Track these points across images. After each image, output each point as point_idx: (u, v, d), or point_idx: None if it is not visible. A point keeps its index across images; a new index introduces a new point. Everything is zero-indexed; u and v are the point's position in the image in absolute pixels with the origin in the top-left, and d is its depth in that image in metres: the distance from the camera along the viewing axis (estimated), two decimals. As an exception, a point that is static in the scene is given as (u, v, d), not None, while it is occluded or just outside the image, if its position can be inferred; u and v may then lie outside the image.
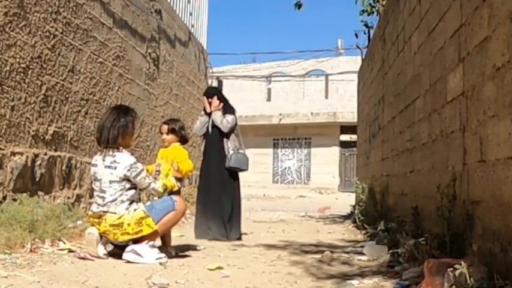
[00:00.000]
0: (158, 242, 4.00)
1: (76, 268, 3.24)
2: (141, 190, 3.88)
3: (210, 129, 5.38)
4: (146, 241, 3.63)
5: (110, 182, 3.66)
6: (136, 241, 3.65)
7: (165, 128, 4.28)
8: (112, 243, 3.79)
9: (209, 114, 5.43)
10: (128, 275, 3.09)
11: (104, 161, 3.70)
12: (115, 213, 3.62)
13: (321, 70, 24.77)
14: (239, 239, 5.35)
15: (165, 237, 4.07)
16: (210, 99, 5.43)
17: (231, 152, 5.36)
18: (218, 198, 5.29)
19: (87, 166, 5.76)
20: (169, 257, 3.84)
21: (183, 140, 4.37)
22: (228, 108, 5.49)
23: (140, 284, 2.84)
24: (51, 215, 4.28)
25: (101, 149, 3.83)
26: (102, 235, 3.69)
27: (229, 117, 5.39)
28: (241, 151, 5.47)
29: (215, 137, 5.36)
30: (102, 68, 6.20)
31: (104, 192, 3.68)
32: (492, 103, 2.55)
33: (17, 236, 3.65)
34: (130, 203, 3.68)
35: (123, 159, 3.68)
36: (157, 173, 4.05)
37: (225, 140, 5.38)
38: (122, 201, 3.66)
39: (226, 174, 5.35)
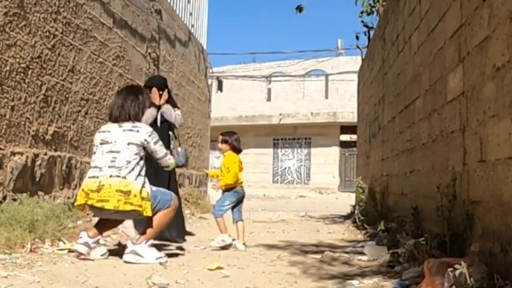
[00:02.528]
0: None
1: (76, 268, 3.24)
2: (157, 160, 3.88)
3: (158, 123, 5.00)
4: (145, 241, 3.62)
5: (129, 143, 3.62)
6: (136, 239, 3.65)
7: (219, 138, 4.98)
8: (100, 244, 3.73)
9: (157, 107, 5.03)
10: (128, 275, 3.09)
11: (121, 126, 3.70)
12: (125, 178, 3.54)
13: (321, 70, 24.77)
14: (184, 239, 5.02)
15: (238, 232, 4.65)
16: (161, 92, 5.02)
17: (179, 149, 5.00)
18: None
19: (87, 166, 5.75)
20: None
21: (235, 150, 4.88)
22: (173, 102, 5.21)
23: (140, 284, 2.84)
24: (51, 215, 4.28)
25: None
26: (93, 206, 3.57)
27: (178, 111, 5.17)
28: (180, 148, 5.09)
29: (164, 132, 4.97)
30: (102, 68, 6.20)
31: (118, 152, 3.60)
32: (492, 103, 2.56)
33: (17, 236, 3.65)
34: (139, 175, 3.62)
35: (144, 126, 3.78)
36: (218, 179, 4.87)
37: (171, 135, 5.09)
38: (133, 169, 3.58)
39: (173, 171, 5.05)
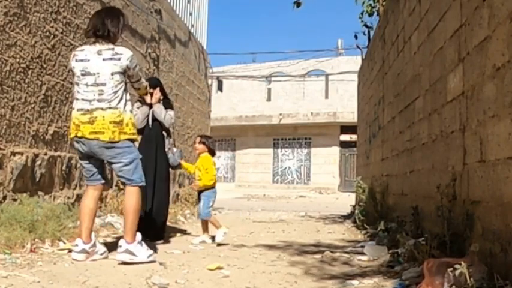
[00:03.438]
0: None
1: (76, 268, 3.24)
2: (132, 83, 3.90)
3: (150, 123, 4.99)
4: (136, 240, 3.56)
5: (112, 73, 3.58)
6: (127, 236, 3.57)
7: (198, 139, 5.30)
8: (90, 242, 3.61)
9: (149, 106, 5.03)
10: (127, 275, 3.10)
11: (100, 54, 3.61)
12: (116, 108, 3.56)
13: (321, 70, 24.77)
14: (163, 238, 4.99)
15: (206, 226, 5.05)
16: (152, 90, 4.96)
17: (175, 149, 5.16)
18: (159, 197, 4.96)
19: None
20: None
21: (211, 152, 5.17)
22: (167, 103, 5.20)
23: (140, 284, 2.84)
24: (51, 215, 4.28)
25: (89, 43, 3.73)
26: (84, 138, 3.54)
27: (171, 112, 5.11)
28: (175, 149, 5.27)
29: (156, 132, 5.00)
30: (102, 68, 6.19)
31: (104, 85, 3.55)
32: (492, 103, 2.56)
33: (17, 236, 3.65)
34: (126, 102, 3.64)
35: (125, 50, 3.72)
36: (194, 179, 5.16)
37: (165, 135, 5.08)
38: (121, 98, 3.59)
39: (166, 172, 5.08)
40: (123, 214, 3.74)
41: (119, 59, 3.62)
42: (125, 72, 3.67)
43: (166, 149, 5.12)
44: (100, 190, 3.83)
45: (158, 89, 5.08)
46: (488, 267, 2.40)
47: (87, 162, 3.72)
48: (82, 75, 3.61)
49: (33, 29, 4.73)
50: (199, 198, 5.15)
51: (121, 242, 3.59)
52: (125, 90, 3.67)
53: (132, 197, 3.65)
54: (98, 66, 3.59)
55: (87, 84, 3.59)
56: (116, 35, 3.74)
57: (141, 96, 4.90)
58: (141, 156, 3.80)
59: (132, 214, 3.61)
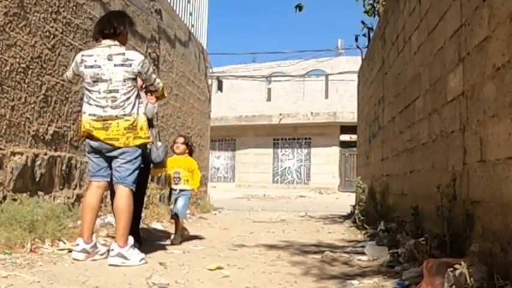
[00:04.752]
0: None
1: (76, 268, 3.24)
2: (147, 86, 3.98)
3: None
4: (128, 243, 3.52)
5: (125, 80, 3.58)
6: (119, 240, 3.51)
7: (181, 139, 5.37)
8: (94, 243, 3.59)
9: None
10: (127, 275, 3.10)
11: (110, 60, 3.59)
12: (131, 115, 3.58)
13: (321, 70, 24.77)
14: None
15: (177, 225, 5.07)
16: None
17: (159, 143, 4.77)
18: (137, 196, 4.45)
19: (87, 166, 5.75)
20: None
21: (191, 154, 5.30)
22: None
23: (140, 284, 2.85)
24: (51, 215, 4.28)
25: (96, 45, 3.72)
26: (101, 141, 3.57)
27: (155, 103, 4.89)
28: (159, 143, 4.84)
29: None
30: (102, 68, 6.19)
31: (117, 91, 3.56)
32: (492, 103, 2.56)
33: (17, 236, 3.65)
34: (138, 105, 3.66)
35: (136, 55, 3.73)
36: (178, 179, 5.06)
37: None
38: (134, 103, 3.61)
39: (146, 168, 4.55)
40: (115, 217, 3.67)
41: (130, 65, 3.61)
42: (136, 78, 3.68)
43: (158, 144, 4.75)
44: (103, 189, 3.79)
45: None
46: (488, 267, 2.40)
47: (97, 156, 3.69)
48: (94, 81, 3.60)
49: (33, 29, 4.73)
50: (170, 195, 5.11)
51: (113, 245, 3.51)
52: (135, 93, 3.66)
53: (124, 199, 3.61)
54: (110, 72, 3.57)
55: (99, 91, 3.58)
56: (123, 32, 3.74)
57: None
58: (142, 165, 3.81)
59: (125, 217, 3.57)
